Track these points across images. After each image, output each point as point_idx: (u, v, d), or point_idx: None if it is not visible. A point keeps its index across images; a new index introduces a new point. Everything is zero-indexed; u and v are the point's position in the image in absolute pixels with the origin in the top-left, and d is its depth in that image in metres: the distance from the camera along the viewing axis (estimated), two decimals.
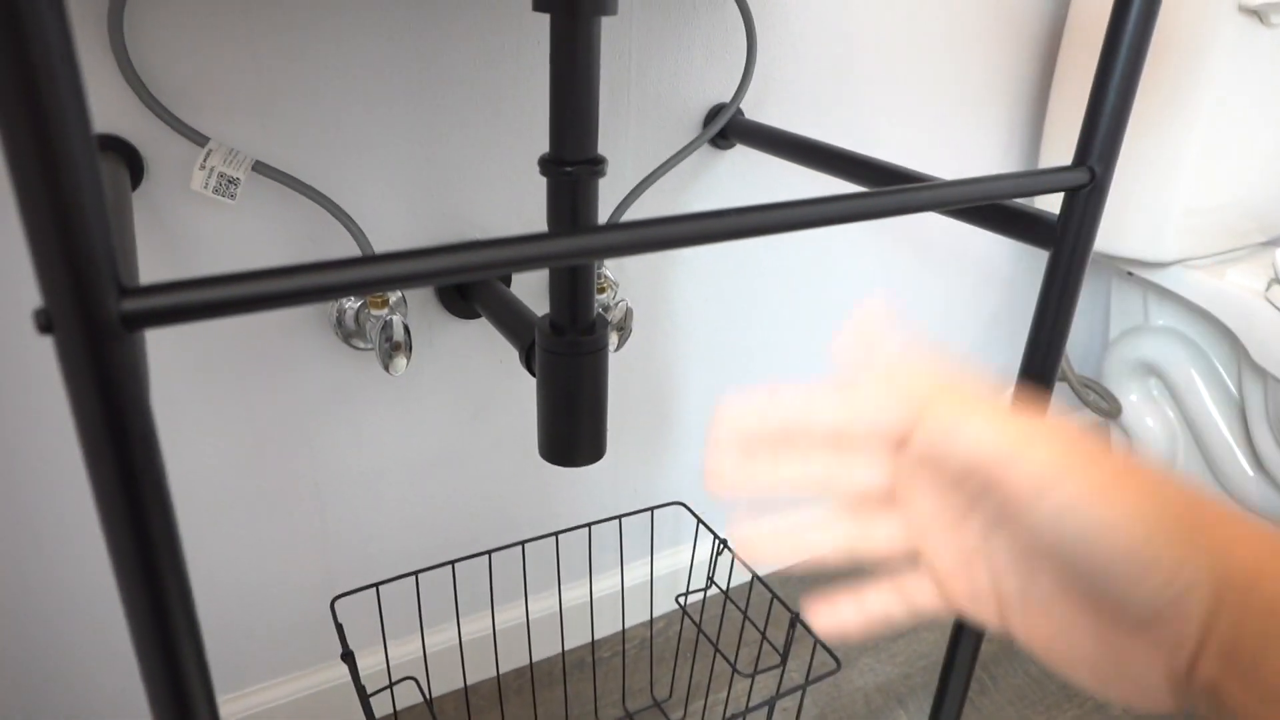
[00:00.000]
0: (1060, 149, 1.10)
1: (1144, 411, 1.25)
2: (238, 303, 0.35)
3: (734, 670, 0.82)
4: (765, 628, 0.86)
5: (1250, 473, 1.14)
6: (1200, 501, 0.26)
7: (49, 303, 0.30)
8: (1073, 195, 0.56)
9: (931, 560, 0.31)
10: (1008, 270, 1.25)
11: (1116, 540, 0.25)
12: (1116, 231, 1.10)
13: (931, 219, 1.11)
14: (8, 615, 0.76)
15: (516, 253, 0.40)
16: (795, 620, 0.77)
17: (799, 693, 0.78)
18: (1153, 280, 1.15)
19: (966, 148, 1.11)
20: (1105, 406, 1.25)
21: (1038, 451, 0.26)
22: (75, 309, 0.30)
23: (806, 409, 0.31)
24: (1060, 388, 1.38)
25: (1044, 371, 0.65)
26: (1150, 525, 0.25)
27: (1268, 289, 1.03)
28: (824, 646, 0.76)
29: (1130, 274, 1.19)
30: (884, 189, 0.49)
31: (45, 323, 0.30)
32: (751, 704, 0.89)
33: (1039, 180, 0.56)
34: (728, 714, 0.73)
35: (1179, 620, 0.25)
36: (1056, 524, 0.26)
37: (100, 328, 0.31)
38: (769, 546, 0.33)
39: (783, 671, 0.77)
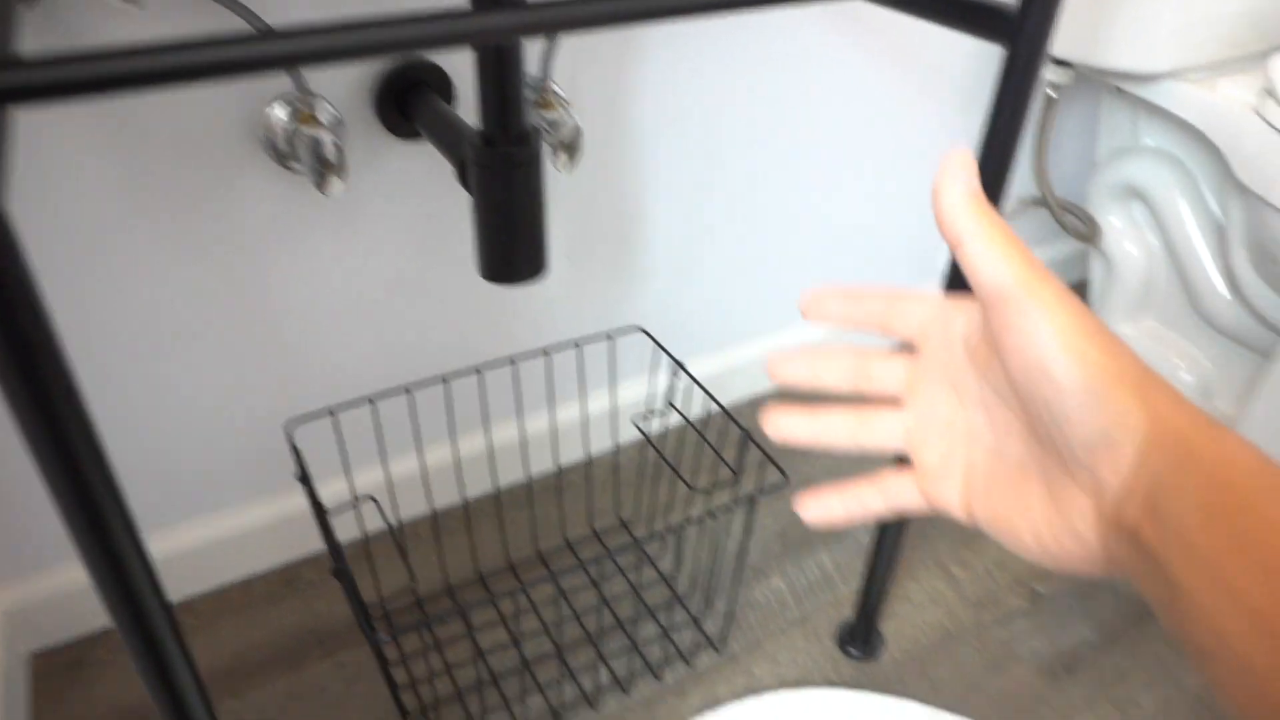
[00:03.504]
0: None
1: (1124, 236, 1.23)
2: (91, 82, 0.33)
3: (690, 488, 0.84)
4: (721, 448, 0.87)
5: (1227, 296, 1.13)
6: (1150, 371, 0.29)
7: None
8: None
9: (920, 455, 0.35)
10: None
11: (1079, 377, 0.28)
12: (1106, 42, 1.04)
13: (909, 30, 1.05)
14: None
15: (415, 32, 0.37)
16: (747, 439, 0.78)
17: (754, 507, 0.80)
18: (1142, 96, 1.10)
19: None
20: (1084, 230, 1.22)
21: (1048, 284, 0.30)
22: None
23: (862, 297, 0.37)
24: (1040, 213, 1.35)
25: (996, 180, 0.62)
26: (1108, 374, 0.28)
27: (1260, 101, 0.98)
28: (773, 462, 0.77)
29: (1119, 90, 1.14)
30: None
31: None
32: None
33: None
34: (688, 522, 0.75)
35: (1113, 463, 0.28)
36: (1039, 353, 0.29)
37: None
38: (793, 425, 0.37)
39: (736, 486, 0.79)
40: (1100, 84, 1.17)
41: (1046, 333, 0.29)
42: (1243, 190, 1.01)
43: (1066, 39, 1.08)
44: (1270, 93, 0.96)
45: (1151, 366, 0.30)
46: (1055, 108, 1.17)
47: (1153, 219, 1.20)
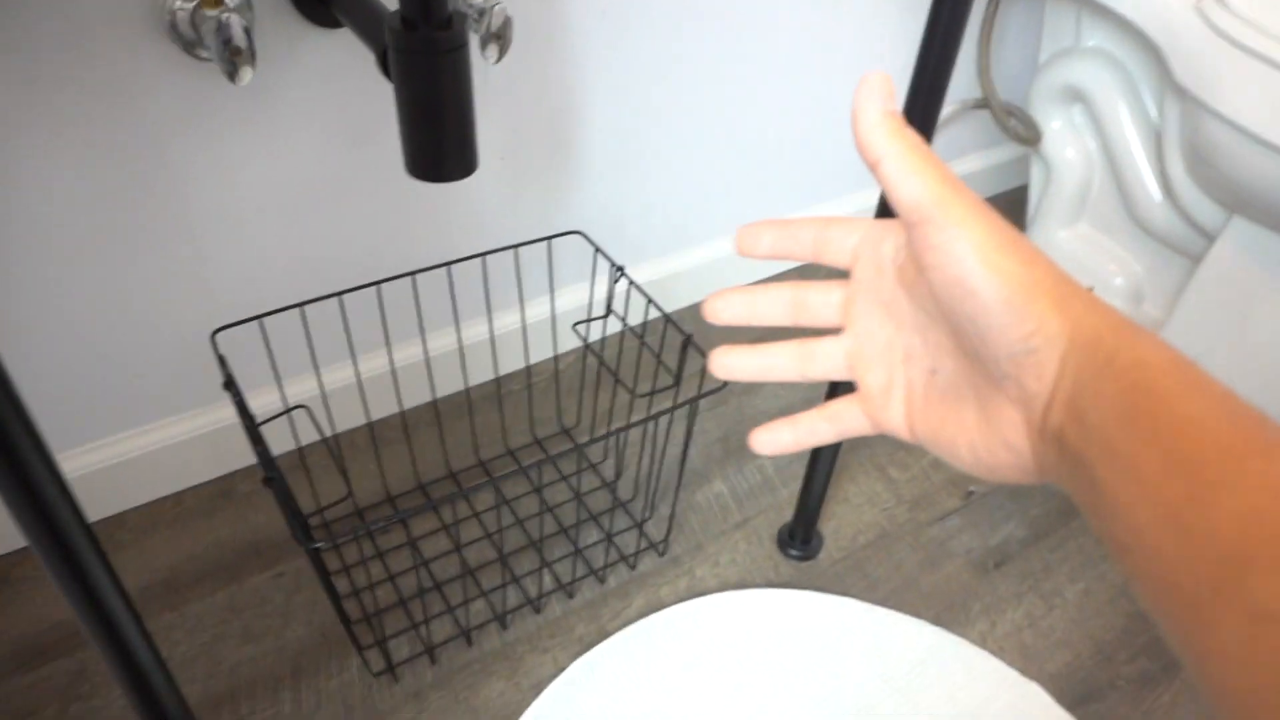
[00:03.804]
0: None
1: (1064, 140, 1.23)
2: None
3: (631, 394, 0.83)
4: (661, 352, 0.86)
5: (1158, 198, 1.14)
6: (1067, 278, 0.29)
7: None
8: None
9: (864, 379, 0.36)
10: None
11: (998, 290, 0.28)
12: None
13: None
14: None
15: None
16: (687, 342, 0.77)
17: (695, 412, 0.79)
18: None
19: None
20: (1025, 134, 1.22)
21: (963, 201, 0.30)
22: None
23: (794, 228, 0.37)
24: (982, 116, 1.34)
25: (937, 79, 0.61)
26: (1026, 285, 0.28)
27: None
28: None
29: None
30: None
31: None
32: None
33: None
34: (628, 426, 0.75)
35: (1036, 371, 0.29)
36: (958, 270, 0.29)
37: None
38: (738, 364, 0.38)
39: (676, 391, 0.78)
40: None
41: (963, 248, 0.29)
42: (1180, 92, 1.01)
43: None
44: None
45: (1068, 274, 0.30)
46: (999, 5, 1.15)
47: (1092, 122, 1.20)
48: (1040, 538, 0.97)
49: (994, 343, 0.29)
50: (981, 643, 0.86)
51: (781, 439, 0.37)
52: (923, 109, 0.62)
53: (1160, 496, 0.24)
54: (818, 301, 0.37)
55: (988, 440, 0.31)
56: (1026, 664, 0.85)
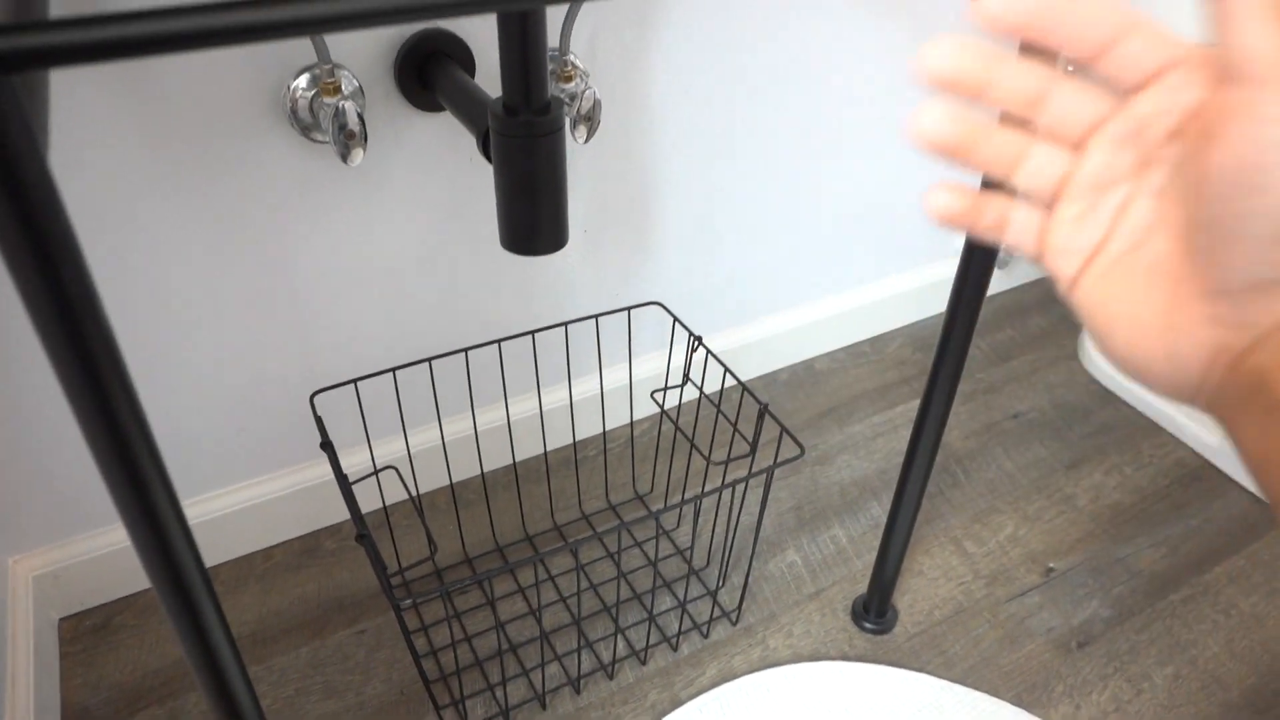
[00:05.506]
0: None
1: None
2: (125, 44, 0.33)
3: (707, 461, 0.84)
4: (736, 421, 0.87)
5: None
6: None
7: None
8: None
9: (1061, 204, 0.30)
10: None
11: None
12: None
13: None
14: None
15: None
16: (764, 411, 0.78)
17: (769, 479, 0.80)
18: None
19: None
20: None
21: None
22: None
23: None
24: None
25: None
26: None
27: None
28: (791, 436, 0.78)
29: None
30: None
31: None
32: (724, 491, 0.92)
33: None
34: (703, 494, 0.76)
35: (1270, 304, 0.25)
36: (1257, 154, 0.24)
37: None
38: (949, 123, 0.30)
39: (752, 459, 0.80)
40: None
41: (1274, 134, 0.23)
42: None
43: None
44: None
45: None
46: None
47: None
48: (1126, 617, 0.94)
49: (1244, 255, 0.24)
50: None
51: (950, 203, 0.32)
52: None
53: None
54: (1066, 104, 0.29)
55: (1157, 343, 0.27)
56: None
